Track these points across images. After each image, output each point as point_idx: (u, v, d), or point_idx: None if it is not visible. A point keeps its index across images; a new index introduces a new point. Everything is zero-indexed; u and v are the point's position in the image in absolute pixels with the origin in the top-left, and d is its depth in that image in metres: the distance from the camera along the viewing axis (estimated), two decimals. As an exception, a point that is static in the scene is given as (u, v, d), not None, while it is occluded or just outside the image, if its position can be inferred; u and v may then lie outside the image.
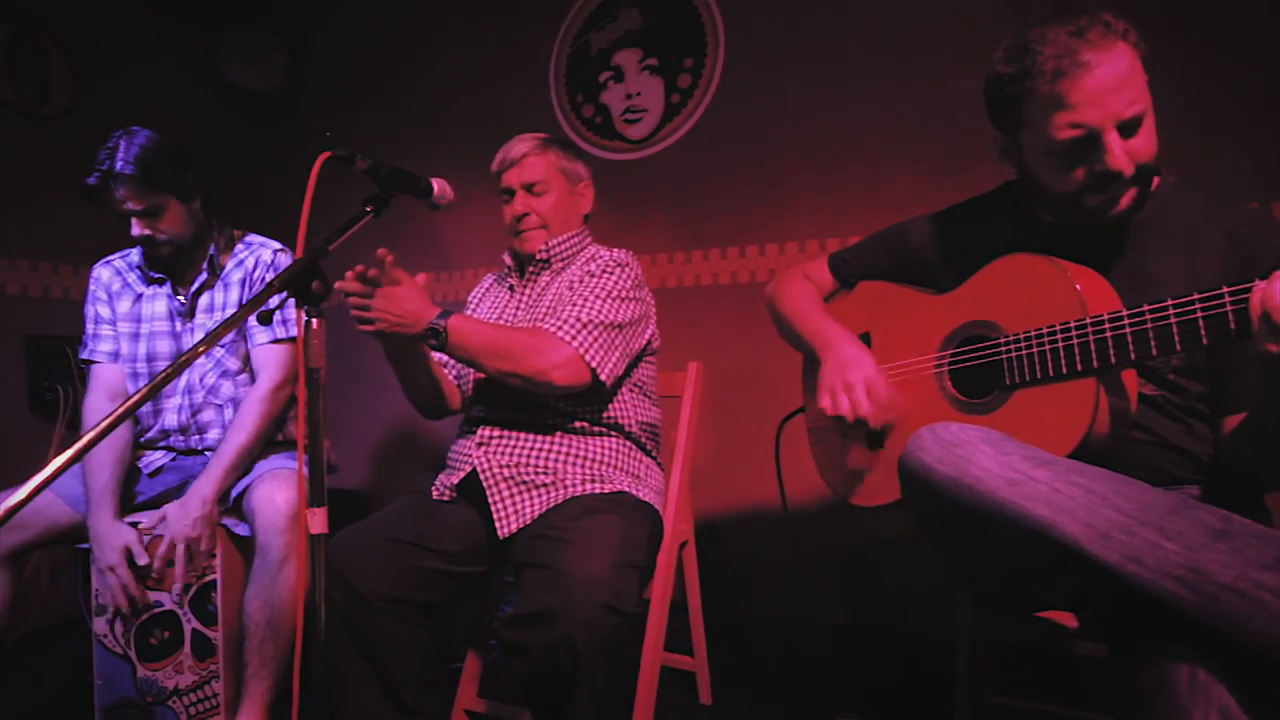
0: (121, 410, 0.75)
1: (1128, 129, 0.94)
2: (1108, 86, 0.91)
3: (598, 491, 1.28)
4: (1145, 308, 0.86)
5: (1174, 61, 1.71)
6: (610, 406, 1.37)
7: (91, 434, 0.72)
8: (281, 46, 2.84)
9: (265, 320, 0.95)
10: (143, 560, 1.47)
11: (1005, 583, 1.01)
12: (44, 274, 2.27)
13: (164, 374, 0.79)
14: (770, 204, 2.26)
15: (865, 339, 1.25)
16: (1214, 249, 0.98)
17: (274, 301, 1.20)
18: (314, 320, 0.96)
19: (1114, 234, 1.03)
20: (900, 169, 2.06)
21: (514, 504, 1.27)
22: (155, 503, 1.61)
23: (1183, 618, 0.73)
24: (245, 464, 1.55)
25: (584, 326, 1.27)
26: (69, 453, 0.70)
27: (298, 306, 0.96)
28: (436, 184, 1.19)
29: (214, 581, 1.56)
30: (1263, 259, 0.94)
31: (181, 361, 0.81)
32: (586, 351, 1.26)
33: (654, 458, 1.48)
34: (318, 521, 0.95)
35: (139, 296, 1.64)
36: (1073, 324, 0.92)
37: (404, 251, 2.74)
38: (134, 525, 1.53)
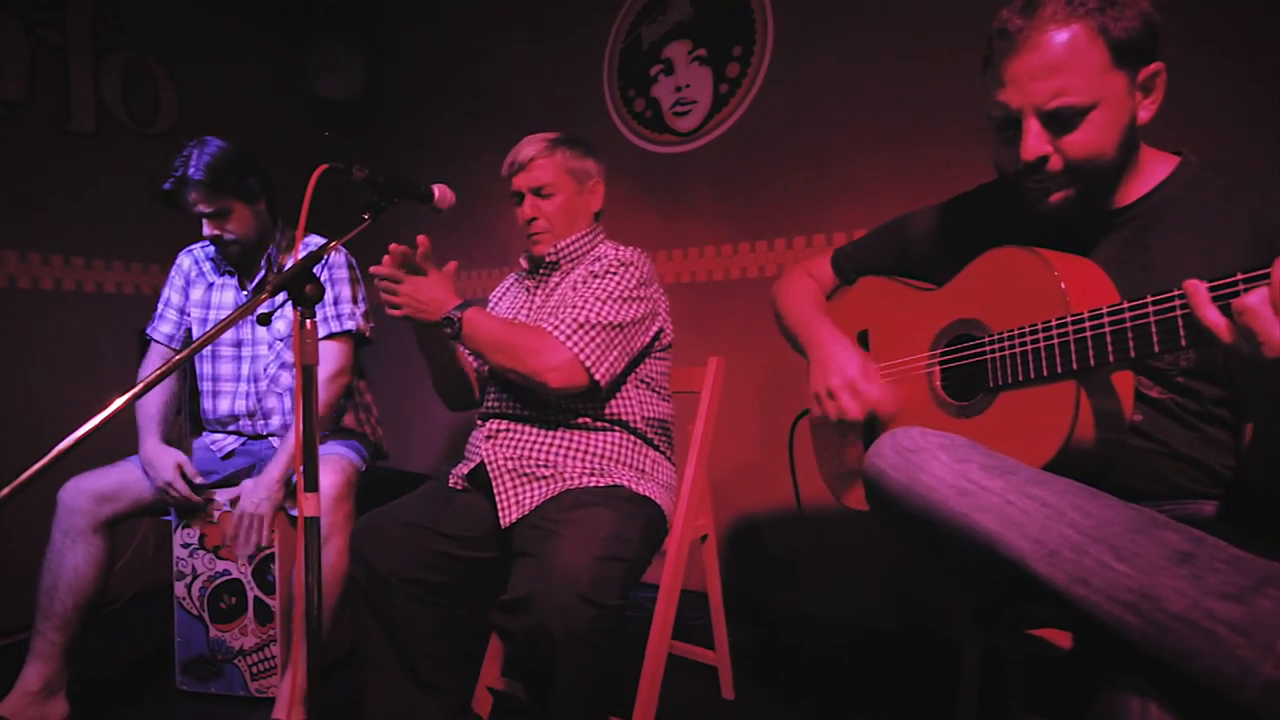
0: (152, 378, 0.85)
1: (1058, 122, 0.86)
2: (1031, 71, 0.84)
3: (593, 485, 1.31)
4: (1124, 305, 0.78)
5: (1203, 44, 1.59)
6: (613, 402, 1.39)
7: (121, 401, 0.83)
8: (360, 58, 3.03)
9: (264, 322, 1.03)
10: (194, 475, 1.66)
11: (981, 596, 0.96)
12: (153, 275, 2.56)
13: (181, 355, 0.89)
14: (819, 194, 2.19)
15: (863, 337, 1.20)
16: (1234, 236, 0.87)
17: (284, 303, 1.31)
18: (308, 321, 1.03)
19: (1120, 221, 0.94)
20: (952, 159, 1.94)
21: (515, 495, 1.32)
22: (227, 482, 1.79)
23: (1131, 646, 0.67)
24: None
25: (580, 327, 1.30)
26: (96, 419, 0.81)
27: (294, 308, 1.03)
28: (438, 189, 1.25)
29: (273, 555, 1.72)
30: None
31: (195, 346, 0.90)
32: (582, 353, 1.28)
33: (663, 452, 1.49)
34: (310, 505, 1.03)
35: (211, 285, 1.82)
36: (1054, 323, 0.86)
37: (465, 248, 2.88)
38: (210, 501, 1.72)
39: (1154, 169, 0.95)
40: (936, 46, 1.96)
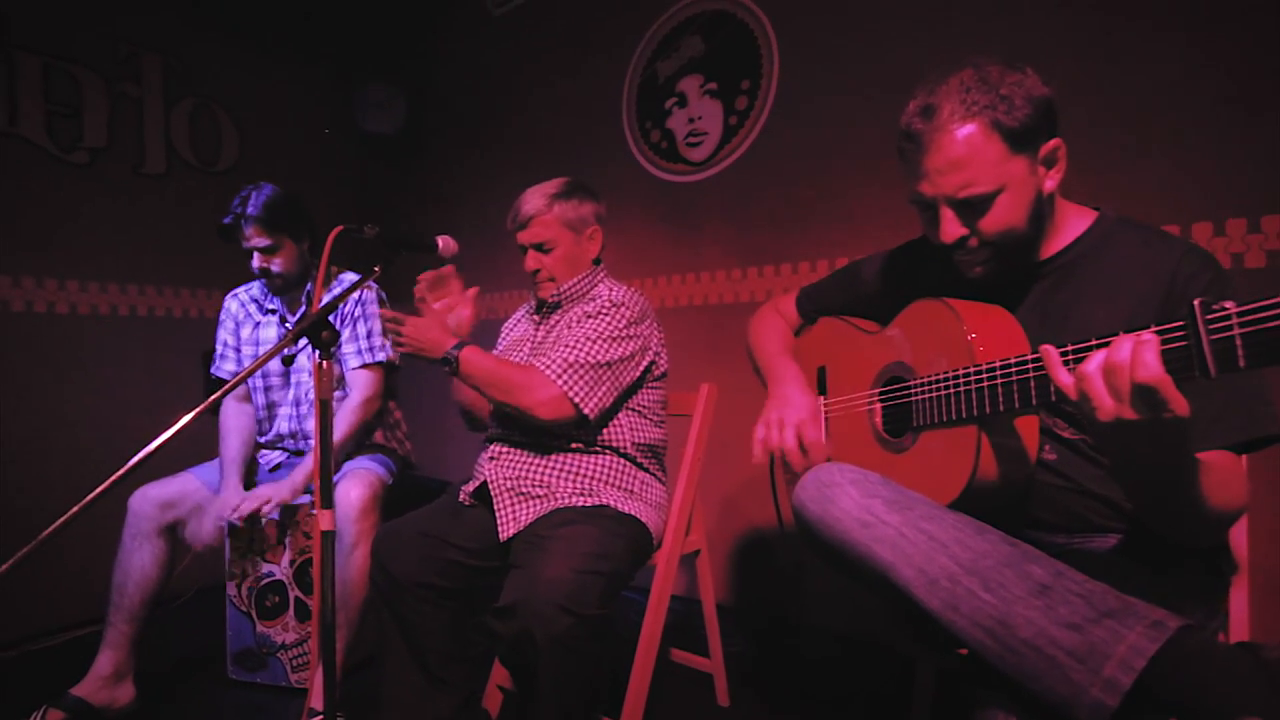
0: (203, 407, 1.02)
1: (969, 207, 0.95)
2: (938, 168, 0.93)
3: (581, 505, 1.44)
4: (1011, 359, 0.87)
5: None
6: (605, 429, 1.53)
7: (187, 419, 1.00)
8: (402, 95, 3.26)
9: (288, 363, 1.20)
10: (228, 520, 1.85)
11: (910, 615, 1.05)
12: (216, 300, 2.81)
13: (235, 381, 1.06)
14: (822, 221, 2.28)
15: (822, 372, 1.30)
16: (1138, 290, 0.94)
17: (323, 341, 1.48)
18: (324, 363, 1.19)
19: (1041, 274, 1.02)
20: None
21: (513, 512, 1.46)
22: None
23: (992, 667, 0.76)
24: (337, 459, 1.88)
25: (569, 367, 1.43)
26: (165, 435, 0.97)
27: (312, 350, 1.20)
28: (441, 241, 1.41)
29: (312, 559, 1.91)
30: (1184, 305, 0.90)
31: (241, 376, 1.06)
32: (571, 390, 1.42)
33: (653, 474, 1.61)
34: (326, 521, 1.20)
35: (257, 324, 2.03)
36: (960, 372, 0.95)
37: (497, 269, 3.06)
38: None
39: (1072, 224, 1.03)
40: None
